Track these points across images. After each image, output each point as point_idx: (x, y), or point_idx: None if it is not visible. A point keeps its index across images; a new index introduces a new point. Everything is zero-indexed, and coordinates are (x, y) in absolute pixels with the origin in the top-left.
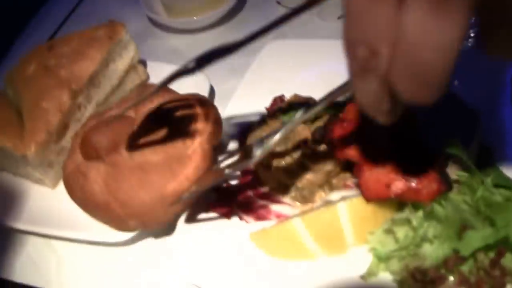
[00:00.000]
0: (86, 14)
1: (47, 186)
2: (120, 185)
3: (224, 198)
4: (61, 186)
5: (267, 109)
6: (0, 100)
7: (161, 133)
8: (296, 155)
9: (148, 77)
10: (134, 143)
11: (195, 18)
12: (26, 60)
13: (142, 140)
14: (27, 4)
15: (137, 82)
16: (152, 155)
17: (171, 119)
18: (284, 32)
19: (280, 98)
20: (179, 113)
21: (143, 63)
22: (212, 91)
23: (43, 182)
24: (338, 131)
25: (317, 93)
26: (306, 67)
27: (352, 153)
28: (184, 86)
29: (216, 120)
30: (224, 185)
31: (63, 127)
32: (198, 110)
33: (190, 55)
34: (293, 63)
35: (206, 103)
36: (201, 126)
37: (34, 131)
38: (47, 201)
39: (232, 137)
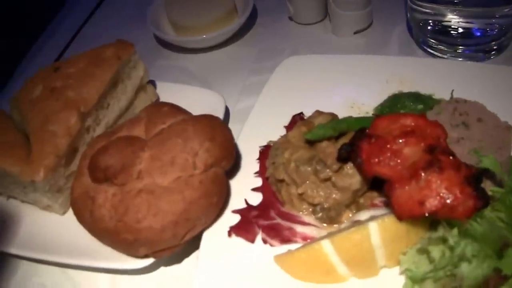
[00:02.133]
0: (92, 35)
1: (56, 213)
2: (129, 209)
3: (246, 221)
4: (71, 212)
5: (286, 127)
6: (6, 123)
7: (172, 155)
8: (322, 174)
9: (158, 98)
10: (143, 166)
11: (204, 36)
12: (32, 82)
13: (152, 163)
14: (32, 26)
15: (147, 104)
16: (161, 179)
17: (179, 142)
18: (298, 48)
19: (300, 116)
20: (190, 136)
21: (153, 83)
22: (226, 111)
23: (52, 209)
24: (366, 147)
25: (337, 109)
26: (323, 82)
27: (381, 169)
28: (198, 106)
29: (229, 143)
30: (245, 206)
31: (72, 151)
32: (210, 132)
33: (201, 74)
34: (310, 79)
35: (219, 125)
36: (213, 149)
37: (42, 155)
38: (58, 228)
39: (250, 158)
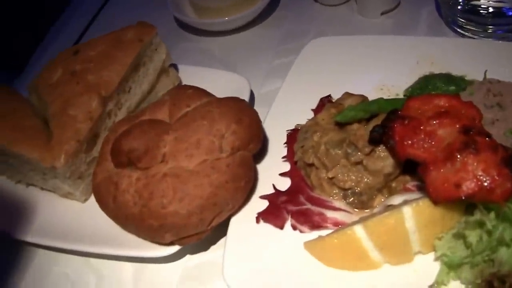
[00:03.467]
0: (110, 18)
1: (77, 200)
2: (154, 195)
3: (274, 207)
4: (92, 199)
5: (313, 111)
6: (24, 108)
7: (197, 137)
8: (353, 157)
9: (180, 81)
10: (168, 149)
11: (226, 18)
12: (51, 66)
13: (177, 146)
14: (50, 9)
15: (169, 87)
16: (187, 162)
17: (205, 124)
18: (324, 30)
19: (328, 98)
20: (216, 118)
21: (175, 67)
22: (251, 94)
23: (72, 196)
24: (399, 129)
25: (366, 91)
26: (351, 64)
27: (415, 152)
28: (222, 90)
29: (256, 125)
30: (273, 191)
31: (93, 136)
32: (237, 114)
33: (224, 57)
34: (338, 61)
35: (245, 107)
36: (240, 131)
37: (62, 140)
38: (80, 216)
39: (277, 143)
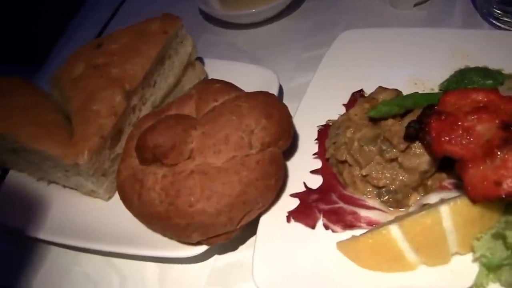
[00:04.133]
0: (133, 10)
1: (100, 198)
2: (180, 193)
3: (305, 205)
4: (115, 198)
5: (345, 106)
6: (46, 103)
7: (225, 133)
8: (387, 154)
9: (206, 75)
10: (195, 145)
11: (253, 10)
12: (73, 59)
13: (204, 142)
14: (71, 1)
15: (195, 81)
16: (215, 158)
17: (233, 119)
18: (354, 22)
19: (360, 93)
20: (245, 113)
21: (201, 60)
22: (280, 89)
23: (96, 194)
24: (436, 125)
25: (399, 86)
26: (384, 58)
27: (453, 148)
28: (250, 84)
29: (286, 121)
30: (304, 189)
31: (118, 132)
32: (267, 109)
33: (251, 50)
34: (370, 54)
35: (275, 102)
36: (270, 127)
37: (85, 136)
38: (103, 215)
39: (308, 139)
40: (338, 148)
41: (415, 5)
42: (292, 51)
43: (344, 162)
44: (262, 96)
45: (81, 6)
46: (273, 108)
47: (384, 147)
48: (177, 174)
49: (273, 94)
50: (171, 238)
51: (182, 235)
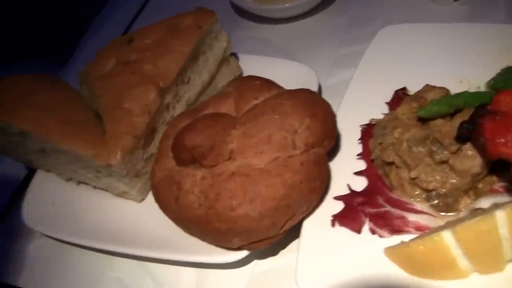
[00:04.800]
0: (162, 3)
1: (133, 200)
2: (221, 195)
3: (350, 209)
4: (148, 199)
5: (388, 104)
6: (75, 101)
7: (268, 132)
8: (438, 155)
9: (241, 72)
10: (235, 145)
11: (288, 4)
12: (103, 55)
13: (245, 142)
14: None
15: (230, 78)
16: (257, 159)
17: (276, 118)
18: (392, 17)
19: (403, 91)
20: (288, 111)
21: (235, 56)
22: (318, 86)
23: (128, 195)
24: (490, 125)
25: (444, 83)
26: (427, 54)
27: (509, 150)
28: (287, 82)
29: (331, 120)
30: (348, 192)
31: (151, 131)
32: (311, 107)
33: (286, 46)
34: (412, 51)
35: (319, 100)
36: (315, 126)
37: (118, 136)
38: (136, 217)
39: (350, 138)
40: (385, 149)
41: (456, 0)
42: (329, 46)
43: (391, 163)
44: (305, 94)
45: (107, 1)
46: (317, 107)
47: (434, 149)
48: (217, 176)
49: (315, 92)
50: (210, 242)
51: (222, 240)
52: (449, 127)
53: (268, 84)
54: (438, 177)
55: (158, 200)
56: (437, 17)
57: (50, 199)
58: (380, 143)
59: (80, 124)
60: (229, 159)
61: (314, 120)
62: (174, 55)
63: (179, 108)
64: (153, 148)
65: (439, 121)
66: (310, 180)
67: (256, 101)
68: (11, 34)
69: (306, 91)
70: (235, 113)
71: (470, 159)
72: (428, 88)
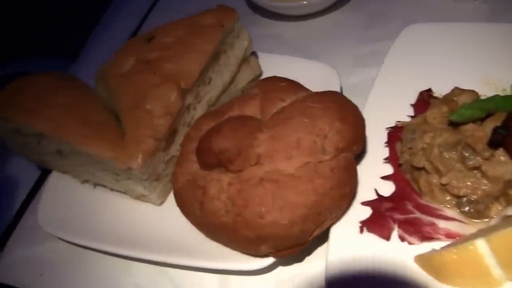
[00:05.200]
0: (171, 2)
1: (152, 203)
2: (249, 202)
3: (378, 215)
4: (168, 203)
5: (413, 106)
6: (92, 101)
7: (297, 136)
8: (470, 161)
9: (261, 72)
10: (263, 149)
11: (304, 2)
12: (122, 54)
13: (273, 146)
14: None
15: (250, 78)
16: (286, 165)
17: (305, 122)
18: (412, 15)
19: (428, 93)
20: (318, 114)
21: (254, 54)
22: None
23: (147, 198)
24: None
25: (470, 85)
26: (451, 55)
27: None
28: (309, 80)
29: (360, 123)
30: (376, 197)
31: (172, 133)
32: (340, 111)
33: (303, 44)
34: (436, 51)
35: (347, 103)
36: (345, 130)
37: (138, 138)
38: (155, 221)
39: (376, 141)
40: (414, 154)
41: None
42: (348, 45)
43: (420, 169)
44: (333, 96)
45: None
46: (347, 110)
47: (466, 154)
48: (245, 181)
49: (343, 95)
50: (235, 249)
51: (249, 248)
52: (481, 132)
53: (294, 85)
54: (469, 183)
55: (181, 204)
56: (458, 15)
57: (66, 202)
58: (410, 148)
59: (99, 125)
60: (256, 163)
61: (344, 124)
62: (196, 54)
63: (200, 109)
64: (173, 150)
65: (470, 126)
66: (340, 186)
67: (283, 104)
68: (19, 30)
69: (334, 94)
70: (261, 116)
71: (503, 165)
72: (458, 91)
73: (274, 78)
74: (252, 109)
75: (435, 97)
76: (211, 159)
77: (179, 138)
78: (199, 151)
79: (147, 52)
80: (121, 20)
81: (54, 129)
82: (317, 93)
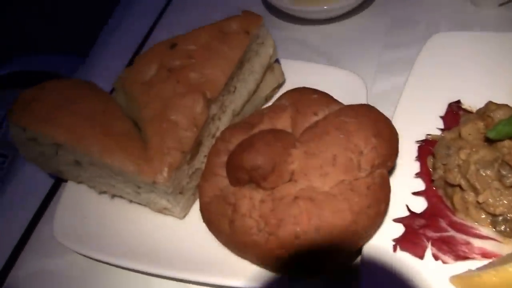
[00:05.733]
0: (186, 2)
1: (174, 216)
2: (283, 222)
3: (411, 232)
4: (191, 216)
5: (442, 118)
6: (114, 110)
7: (331, 154)
8: (508, 179)
9: (284, 79)
10: (297, 166)
11: (325, 7)
12: (143, 60)
13: (308, 163)
14: None
15: (274, 86)
16: (321, 182)
17: (340, 137)
18: (436, 21)
19: (457, 105)
20: (353, 130)
21: (276, 61)
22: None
23: (169, 212)
24: None
25: (500, 98)
26: (480, 65)
27: None
28: (333, 89)
29: (395, 139)
30: (407, 213)
31: (196, 144)
32: (375, 125)
33: (324, 49)
34: (465, 61)
35: (381, 117)
36: (380, 146)
37: (163, 151)
38: (178, 235)
39: (405, 155)
40: (450, 170)
41: (501, 4)
42: (371, 51)
43: (454, 185)
44: (367, 110)
45: None
46: (382, 125)
47: (504, 172)
48: (278, 199)
49: (375, 108)
50: (265, 268)
51: (282, 267)
52: None
53: (326, 98)
54: (506, 202)
55: (208, 220)
56: (482, 22)
57: (83, 214)
58: (444, 164)
59: (121, 136)
60: (289, 180)
61: (379, 139)
62: (222, 62)
63: (225, 119)
64: (198, 162)
65: (507, 143)
66: (376, 204)
67: (316, 117)
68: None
69: (368, 107)
70: (291, 129)
71: None
72: (493, 106)
73: (305, 90)
74: (283, 122)
75: (464, 109)
76: (243, 175)
77: (204, 150)
78: (230, 167)
79: (170, 59)
80: (132, 19)
81: (75, 140)
82: (350, 107)
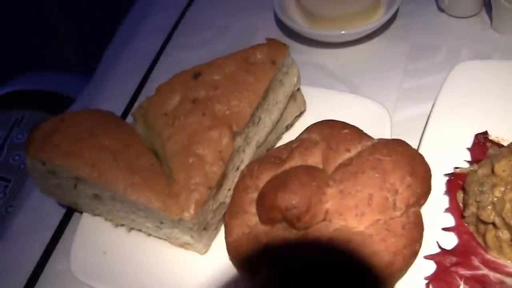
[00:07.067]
0: (199, 18)
1: (195, 251)
2: None
3: (443, 270)
4: (212, 251)
5: (469, 150)
6: (135, 142)
7: (367, 194)
8: None
9: (305, 108)
10: (331, 205)
11: (342, 32)
12: (166, 89)
13: (343, 202)
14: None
15: (295, 114)
16: (357, 222)
17: (376, 176)
18: (457, 47)
19: (484, 136)
20: (388, 169)
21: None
22: None
23: (191, 247)
24: None
25: None
26: (506, 94)
27: None
28: (356, 119)
29: (428, 176)
30: (438, 250)
31: (222, 178)
32: (410, 164)
33: (342, 75)
34: (490, 90)
35: (414, 154)
36: (415, 185)
37: (189, 186)
38: (200, 272)
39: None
40: (484, 208)
41: None
42: (391, 77)
43: (488, 223)
44: (400, 146)
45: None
46: (416, 162)
47: None
48: (314, 240)
49: (407, 143)
50: None
51: None
52: None
53: (358, 133)
54: None
55: (236, 259)
56: (502, 48)
57: (101, 247)
58: (477, 201)
59: (145, 171)
60: (323, 220)
61: (414, 178)
62: (248, 94)
63: (249, 152)
64: (222, 196)
65: None
66: (412, 243)
67: (349, 154)
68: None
69: (400, 143)
70: (323, 166)
71: None
72: None
73: (335, 124)
74: (314, 158)
75: (491, 140)
76: (276, 215)
77: (228, 183)
78: (261, 205)
79: (194, 89)
80: (141, 36)
81: (97, 176)
82: (383, 143)
